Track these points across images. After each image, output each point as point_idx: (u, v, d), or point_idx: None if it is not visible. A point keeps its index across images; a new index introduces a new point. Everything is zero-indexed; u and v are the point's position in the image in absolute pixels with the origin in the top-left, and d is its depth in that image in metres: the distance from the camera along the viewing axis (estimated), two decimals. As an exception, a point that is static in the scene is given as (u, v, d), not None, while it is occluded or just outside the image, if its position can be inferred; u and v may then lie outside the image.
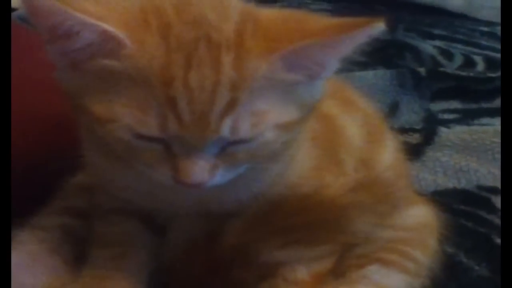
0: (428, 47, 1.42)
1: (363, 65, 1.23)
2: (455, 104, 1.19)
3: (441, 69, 1.32)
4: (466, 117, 1.14)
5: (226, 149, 0.53)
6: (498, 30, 1.60)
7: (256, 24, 0.53)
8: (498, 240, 0.80)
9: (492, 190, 0.93)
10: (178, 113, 0.50)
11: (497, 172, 0.95)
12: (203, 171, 0.53)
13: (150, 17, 0.52)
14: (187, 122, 0.50)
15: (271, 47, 0.51)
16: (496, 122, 1.10)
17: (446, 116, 1.14)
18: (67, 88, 0.54)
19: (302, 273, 0.65)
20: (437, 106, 1.18)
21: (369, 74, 1.22)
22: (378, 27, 0.51)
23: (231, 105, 0.50)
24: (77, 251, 0.68)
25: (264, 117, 0.52)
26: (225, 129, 0.51)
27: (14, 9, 1.39)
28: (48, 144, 0.75)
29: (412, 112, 1.15)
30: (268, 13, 0.55)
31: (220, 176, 0.55)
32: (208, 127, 0.51)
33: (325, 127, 0.68)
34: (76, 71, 0.52)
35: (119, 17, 0.51)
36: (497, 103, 1.18)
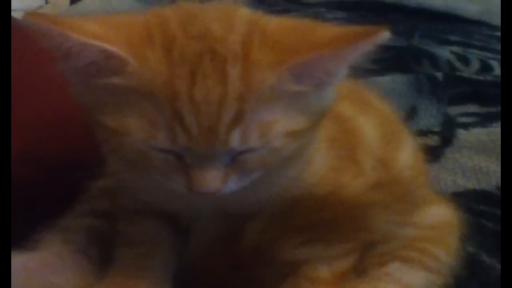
0: (445, 52, 1.41)
1: (380, 72, 1.23)
2: (472, 108, 1.18)
3: (458, 74, 1.31)
4: (485, 120, 1.13)
5: (237, 158, 0.54)
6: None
7: (263, 35, 0.53)
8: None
9: (511, 190, 0.92)
10: (185, 127, 0.50)
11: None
12: (215, 180, 0.53)
13: (154, 32, 0.52)
14: (195, 135, 0.50)
15: (278, 59, 0.51)
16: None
17: (464, 119, 1.13)
18: (82, 103, 0.55)
19: (323, 271, 0.65)
20: (454, 110, 1.16)
21: (386, 79, 1.22)
22: (384, 36, 0.51)
23: (238, 117, 0.50)
24: (103, 251, 0.70)
25: (272, 127, 0.52)
26: (234, 140, 0.51)
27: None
28: (73, 146, 0.77)
29: (430, 116, 1.14)
30: (276, 22, 0.55)
31: (233, 184, 0.55)
32: (216, 139, 0.51)
33: (342, 128, 0.68)
34: (88, 88, 0.53)
35: (120, 34, 0.51)
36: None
